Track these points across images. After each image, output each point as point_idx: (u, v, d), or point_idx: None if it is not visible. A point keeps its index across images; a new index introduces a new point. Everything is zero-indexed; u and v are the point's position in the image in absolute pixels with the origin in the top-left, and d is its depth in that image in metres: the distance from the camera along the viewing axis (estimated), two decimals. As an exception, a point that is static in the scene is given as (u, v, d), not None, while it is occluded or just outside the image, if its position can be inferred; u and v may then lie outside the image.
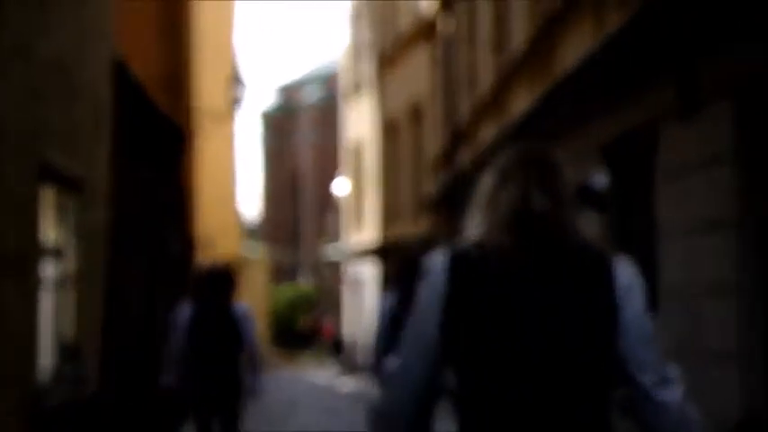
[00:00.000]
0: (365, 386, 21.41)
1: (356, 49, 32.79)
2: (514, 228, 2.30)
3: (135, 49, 14.24)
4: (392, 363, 2.41)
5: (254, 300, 34.96)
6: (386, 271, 25.99)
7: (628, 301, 2.29)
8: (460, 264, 2.31)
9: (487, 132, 15.03)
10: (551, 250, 2.28)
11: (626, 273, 2.33)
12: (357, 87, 32.27)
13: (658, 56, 7.47)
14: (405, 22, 26.62)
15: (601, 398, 2.28)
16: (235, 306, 7.38)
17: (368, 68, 30.23)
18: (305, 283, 55.97)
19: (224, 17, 26.77)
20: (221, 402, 7.34)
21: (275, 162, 65.19)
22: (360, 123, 31.61)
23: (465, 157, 17.41)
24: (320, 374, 32.76)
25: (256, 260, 40.81)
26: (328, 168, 52.55)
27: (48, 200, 8.27)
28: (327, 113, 56.56)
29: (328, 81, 57.27)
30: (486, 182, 2.41)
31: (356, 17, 32.95)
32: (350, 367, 31.26)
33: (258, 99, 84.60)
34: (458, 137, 18.81)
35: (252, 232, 53.68)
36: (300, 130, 63.59)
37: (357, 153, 32.15)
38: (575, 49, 9.82)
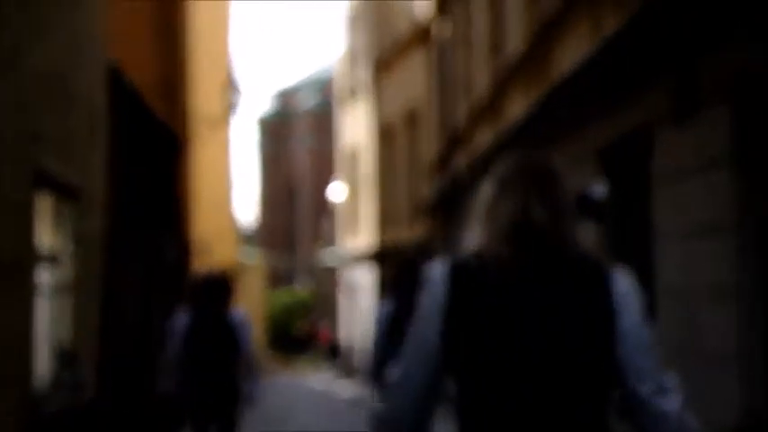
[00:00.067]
0: (362, 391, 21.38)
1: (352, 54, 32.80)
2: (513, 239, 2.33)
3: (130, 55, 14.22)
4: (393, 372, 2.44)
5: (251, 305, 34.94)
6: (382, 276, 25.97)
7: (625, 310, 2.32)
8: (460, 274, 2.34)
9: (484, 137, 15.03)
10: (550, 261, 2.31)
11: (623, 282, 2.35)
12: (353, 92, 32.28)
13: (655, 59, 7.46)
14: (401, 27, 26.64)
15: (599, 404, 2.30)
16: (232, 313, 7.38)
17: (364, 73, 30.24)
18: (301, 289, 55.96)
19: (219, 23, 26.77)
20: (218, 409, 7.34)
21: (271, 167, 65.21)
22: (356, 128, 31.61)
23: (461, 161, 17.40)
24: (317, 379, 32.74)
25: (253, 266, 40.81)
26: (325, 174, 52.59)
27: (44, 207, 8.25)
28: (323, 119, 56.62)
29: (324, 87, 57.35)
30: (486, 191, 2.43)
31: (352, 22, 32.96)
32: (347, 372, 31.24)
33: (255, 105, 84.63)
34: (454, 141, 18.81)
35: (248, 238, 53.64)
36: (297, 136, 63.62)
37: (353, 158, 32.15)
38: (571, 52, 9.82)
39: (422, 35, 23.68)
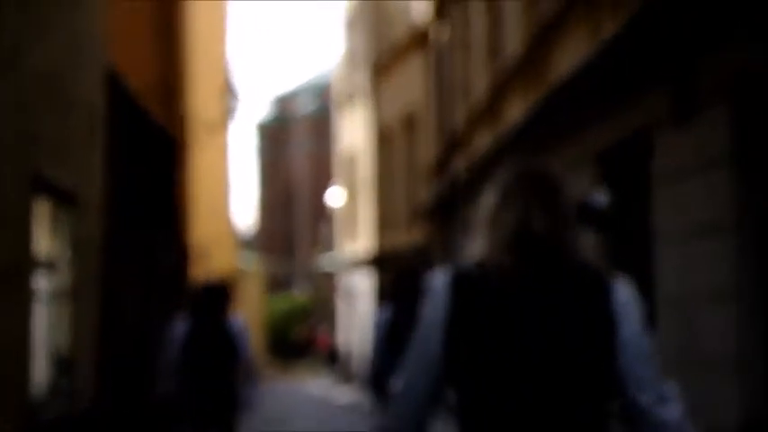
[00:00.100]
0: (361, 397, 21.35)
1: (350, 59, 32.79)
2: (515, 248, 2.35)
3: (129, 59, 14.20)
4: (396, 382, 2.48)
5: (249, 311, 34.93)
6: (381, 281, 25.93)
7: (625, 319, 2.34)
8: (462, 283, 2.37)
9: (482, 140, 15.00)
10: (551, 271, 2.34)
11: (624, 292, 2.38)
12: (351, 97, 32.26)
13: (654, 60, 7.44)
14: (399, 31, 26.63)
15: (599, 411, 2.33)
16: (230, 321, 7.41)
17: (362, 77, 30.23)
18: (299, 294, 55.92)
19: (218, 28, 26.77)
20: (217, 416, 7.37)
21: (270, 172, 65.22)
22: (354, 133, 31.60)
23: (460, 165, 17.37)
24: (315, 385, 32.69)
25: (251, 271, 40.78)
26: (323, 178, 52.58)
27: (42, 212, 8.21)
28: (322, 124, 56.65)
29: (323, 91, 57.35)
30: (488, 200, 2.45)
31: (350, 26, 32.95)
32: (345, 377, 31.19)
33: (253, 110, 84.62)
34: (452, 145, 18.78)
35: (247, 243, 53.60)
36: (295, 141, 63.65)
37: (351, 162, 32.13)
38: (570, 55, 9.80)
39: (420, 39, 23.67)
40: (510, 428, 2.28)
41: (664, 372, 2.40)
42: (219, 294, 7.39)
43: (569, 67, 9.09)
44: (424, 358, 2.39)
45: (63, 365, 8.68)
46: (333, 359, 36.07)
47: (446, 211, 18.43)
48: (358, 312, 29.74)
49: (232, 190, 29.25)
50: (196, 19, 20.79)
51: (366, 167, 29.68)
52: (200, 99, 21.17)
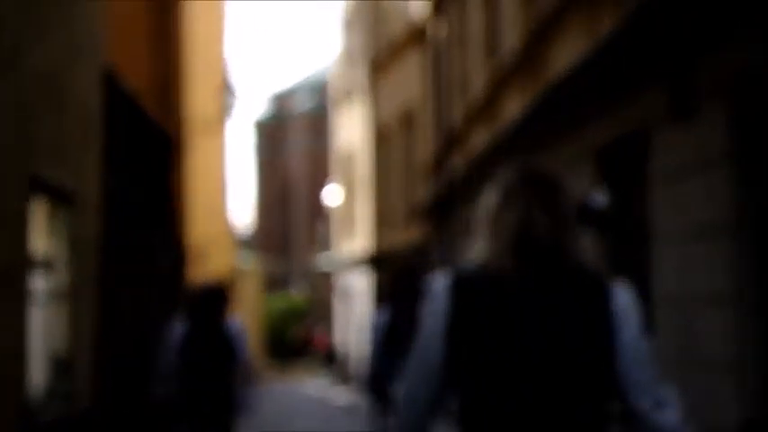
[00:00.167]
0: (358, 398, 21.32)
1: (348, 56, 32.75)
2: (516, 251, 2.37)
3: (125, 59, 14.17)
4: (398, 389, 2.51)
5: (247, 310, 34.89)
6: (378, 281, 25.90)
7: (624, 323, 2.37)
8: (463, 286, 2.39)
9: (480, 137, 14.97)
10: (551, 273, 2.36)
11: (623, 296, 2.40)
12: (348, 94, 32.23)
13: (653, 58, 7.41)
14: (396, 28, 26.59)
15: (598, 411, 2.35)
16: (228, 323, 7.40)
17: (359, 75, 30.19)
18: (297, 294, 55.87)
19: (215, 26, 26.72)
20: (215, 418, 7.38)
21: (267, 171, 65.18)
22: (351, 130, 31.56)
23: (457, 162, 17.34)
24: (313, 386, 32.65)
25: (248, 271, 40.74)
26: (321, 177, 52.54)
27: (39, 212, 8.19)
28: (319, 121, 56.60)
29: (320, 89, 57.31)
30: (488, 201, 2.46)
31: (347, 24, 32.91)
32: (343, 378, 31.15)
33: (250, 108, 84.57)
34: (450, 142, 18.75)
35: (244, 242, 53.57)
36: (292, 139, 63.60)
37: (349, 160, 32.09)
38: (567, 52, 9.77)
39: (417, 36, 23.63)
40: (510, 429, 2.29)
41: (663, 372, 2.41)
42: (217, 296, 7.39)
43: (567, 64, 9.05)
44: (425, 366, 2.41)
45: (61, 366, 8.65)
46: (330, 359, 36.04)
47: (444, 209, 18.40)
48: (355, 312, 29.70)
49: (229, 189, 29.20)
50: (193, 17, 20.75)
51: (364, 165, 29.64)
52: (197, 98, 21.14)
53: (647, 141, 7.80)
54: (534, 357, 2.29)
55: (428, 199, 20.48)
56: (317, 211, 52.97)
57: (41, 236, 8.30)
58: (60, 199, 8.66)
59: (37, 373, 8.05)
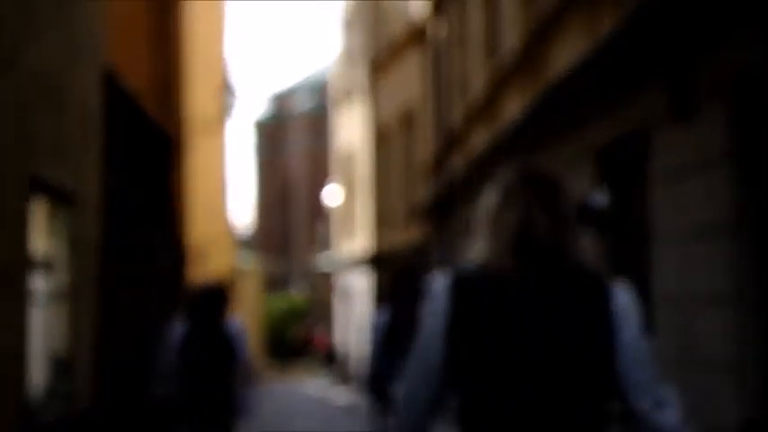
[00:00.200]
0: (358, 398, 21.31)
1: (348, 56, 32.74)
2: (516, 251, 2.37)
3: (125, 59, 14.17)
4: (398, 390, 2.51)
5: (247, 310, 34.87)
6: (378, 281, 25.89)
7: (624, 324, 2.37)
8: (463, 287, 2.39)
9: (480, 137, 14.97)
10: (551, 273, 2.37)
11: (623, 297, 2.40)
12: (348, 94, 32.22)
13: (653, 58, 7.41)
14: (396, 28, 26.58)
15: (598, 411, 2.35)
16: (228, 323, 7.39)
17: (359, 75, 30.18)
18: (297, 294, 55.84)
19: (215, 26, 26.71)
20: (214, 418, 7.37)
21: (268, 171, 65.16)
22: (351, 130, 31.55)
23: (457, 162, 17.34)
24: (313, 386, 32.64)
25: (248, 271, 40.73)
26: (321, 177, 52.53)
27: (39, 212, 8.18)
28: (319, 121, 56.58)
29: (320, 89, 57.29)
30: (488, 201, 2.46)
31: (347, 24, 32.90)
32: (343, 378, 31.13)
33: (250, 108, 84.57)
34: (450, 142, 18.75)
35: (244, 242, 53.56)
36: (293, 139, 63.58)
37: (349, 160, 32.08)
38: (568, 52, 9.77)
39: (417, 36, 23.62)
40: (510, 428, 2.30)
41: (663, 372, 2.41)
42: (217, 296, 7.38)
43: (567, 64, 9.05)
44: (425, 366, 2.41)
45: (61, 366, 8.65)
46: (330, 359, 36.03)
47: (444, 209, 18.39)
48: (355, 312, 29.69)
49: (229, 189, 29.20)
50: (193, 17, 20.75)
51: (364, 165, 29.63)
52: (197, 98, 21.13)
53: (647, 141, 7.79)
54: (534, 357, 2.30)
55: (428, 199, 20.47)
56: (317, 211, 52.96)
57: (41, 236, 8.30)
58: (60, 199, 8.66)
59: (37, 373, 8.04)
